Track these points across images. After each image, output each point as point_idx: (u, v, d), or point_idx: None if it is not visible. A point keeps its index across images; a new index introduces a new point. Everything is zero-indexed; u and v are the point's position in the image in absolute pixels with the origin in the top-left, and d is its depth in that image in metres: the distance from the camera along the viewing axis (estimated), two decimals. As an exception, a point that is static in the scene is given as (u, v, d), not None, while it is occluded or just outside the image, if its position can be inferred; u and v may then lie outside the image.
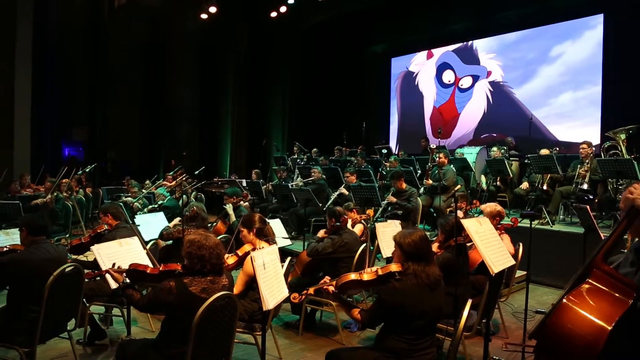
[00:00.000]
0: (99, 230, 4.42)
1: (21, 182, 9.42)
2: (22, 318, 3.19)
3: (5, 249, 3.60)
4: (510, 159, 8.61)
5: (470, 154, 9.51)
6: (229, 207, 6.05)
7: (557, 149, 8.97)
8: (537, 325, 2.11)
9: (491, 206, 4.89)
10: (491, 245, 3.25)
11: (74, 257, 4.38)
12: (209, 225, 5.88)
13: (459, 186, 5.52)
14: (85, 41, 13.82)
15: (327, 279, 2.96)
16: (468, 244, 3.97)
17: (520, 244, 4.46)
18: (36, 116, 11.86)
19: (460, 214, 5.00)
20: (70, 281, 3.36)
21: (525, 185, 7.62)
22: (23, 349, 3.14)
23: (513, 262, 3.52)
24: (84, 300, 3.85)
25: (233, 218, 5.98)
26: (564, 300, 1.93)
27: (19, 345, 3.14)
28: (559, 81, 10.90)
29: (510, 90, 11.73)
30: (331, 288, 2.89)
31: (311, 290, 2.93)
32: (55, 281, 3.14)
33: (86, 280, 3.58)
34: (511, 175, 8.00)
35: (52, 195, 7.77)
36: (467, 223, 3.23)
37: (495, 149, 8.59)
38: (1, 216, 6.84)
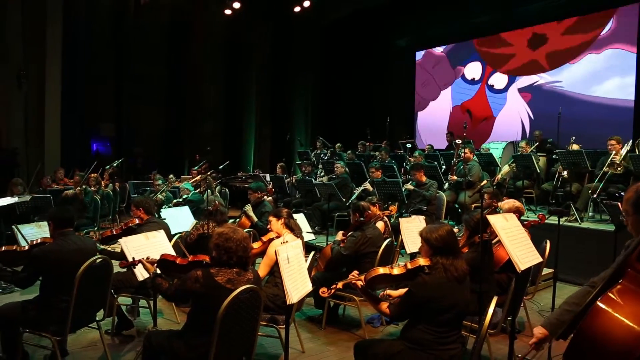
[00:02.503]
0: (130, 224, 4.51)
1: (55, 176, 9.70)
2: (54, 308, 3.29)
3: (35, 241, 3.71)
4: (538, 154, 8.43)
5: (497, 149, 9.36)
6: (249, 209, 6.07)
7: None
8: (567, 327, 2.06)
9: (510, 202, 4.80)
10: (518, 242, 3.20)
11: (103, 247, 4.49)
12: (234, 220, 5.94)
13: (485, 181, 5.43)
14: (111, 40, 14.08)
15: (355, 273, 2.97)
16: (493, 241, 3.91)
17: (548, 242, 4.38)
18: (65, 113, 12.17)
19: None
20: (99, 273, 3.45)
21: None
22: (55, 337, 3.25)
23: (540, 259, 3.46)
24: (112, 291, 3.95)
25: (255, 219, 6.01)
26: (598, 303, 1.84)
27: (52, 334, 3.25)
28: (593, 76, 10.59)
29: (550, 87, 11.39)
30: (360, 283, 2.89)
31: (340, 285, 2.94)
32: (85, 272, 3.23)
33: (117, 270, 3.66)
34: (538, 171, 7.84)
35: (80, 188, 7.96)
36: (493, 219, 3.18)
37: (523, 143, 8.42)
38: (33, 209, 7.02)
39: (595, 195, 6.33)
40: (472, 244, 3.79)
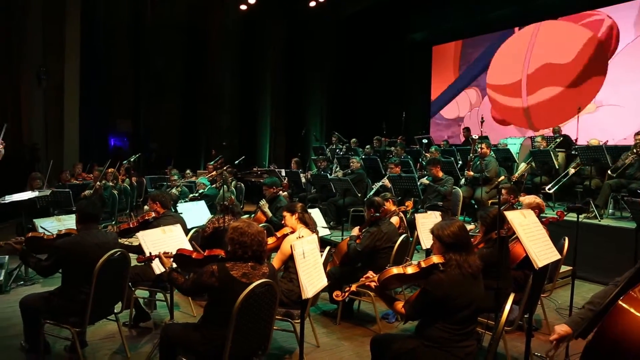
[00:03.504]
0: (146, 217, 4.56)
1: (74, 171, 9.86)
2: (74, 299, 3.35)
3: (61, 232, 3.78)
4: (557, 149, 8.30)
5: (514, 144, 9.25)
6: (264, 205, 6.09)
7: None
8: (586, 325, 2.02)
9: (530, 198, 4.73)
10: (536, 239, 3.16)
11: (120, 240, 4.55)
12: (249, 215, 5.97)
13: (502, 177, 5.36)
14: (128, 37, 14.24)
15: (370, 274, 2.94)
16: (510, 238, 3.86)
17: (566, 238, 4.31)
18: (84, 110, 12.37)
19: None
20: (117, 266, 3.50)
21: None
22: (75, 328, 3.31)
23: (558, 256, 3.41)
24: (130, 284, 4.00)
25: (269, 214, 6.03)
26: (619, 302, 1.81)
27: (72, 325, 3.31)
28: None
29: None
30: (373, 284, 2.87)
31: (354, 287, 2.89)
32: (103, 266, 3.28)
33: (135, 264, 3.71)
34: (557, 167, 7.72)
35: (100, 183, 8.07)
36: (510, 215, 3.14)
37: (539, 138, 8.30)
38: (53, 203, 7.14)
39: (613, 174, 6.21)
40: (489, 240, 3.76)
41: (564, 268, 4.91)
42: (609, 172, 6.62)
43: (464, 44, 13.79)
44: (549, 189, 7.02)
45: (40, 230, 4.74)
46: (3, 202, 5.64)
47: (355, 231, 4.73)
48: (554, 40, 11.29)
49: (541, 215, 4.59)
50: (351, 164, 8.53)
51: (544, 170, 7.77)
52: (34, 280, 5.49)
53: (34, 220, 5.33)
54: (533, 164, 7.82)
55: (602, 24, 10.44)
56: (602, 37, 10.40)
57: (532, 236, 3.15)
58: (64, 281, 3.49)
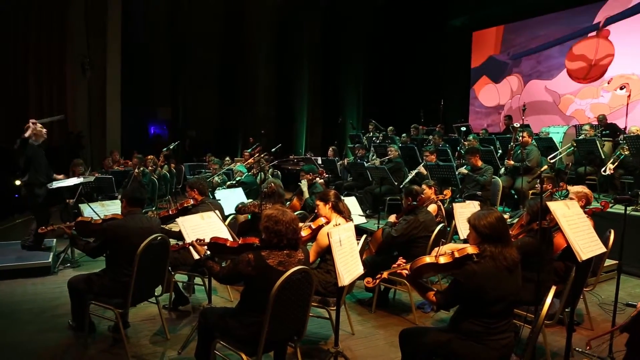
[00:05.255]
0: (185, 205, 4.66)
1: (112, 158, 10.15)
2: (117, 281, 3.49)
3: (107, 216, 3.92)
4: (603, 138, 7.97)
5: (557, 133, 8.94)
6: (304, 184, 6.14)
7: None
8: (632, 319, 1.95)
9: (578, 188, 4.56)
10: (580, 230, 3.06)
11: (164, 226, 4.67)
12: (286, 201, 6.01)
13: (545, 167, 5.20)
14: (167, 27, 14.51)
15: (402, 261, 2.90)
16: (553, 229, 3.75)
17: (612, 231, 4.14)
18: (125, 98, 12.73)
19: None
20: (158, 251, 3.60)
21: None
22: (118, 309, 3.43)
23: (603, 249, 3.29)
24: (170, 268, 4.11)
25: (307, 194, 6.06)
26: None
27: (115, 306, 3.44)
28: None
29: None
30: (405, 272, 2.82)
31: (385, 275, 2.86)
32: (145, 250, 3.38)
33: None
34: (603, 157, 7.42)
35: (138, 170, 8.30)
36: (554, 206, 3.05)
37: (587, 127, 7.98)
38: (97, 189, 7.38)
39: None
40: (530, 230, 3.65)
41: (608, 262, 4.74)
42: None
43: (506, 29, 13.37)
44: (603, 171, 6.74)
45: (86, 214, 4.92)
46: (50, 187, 5.88)
47: (392, 218, 4.69)
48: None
49: (586, 206, 4.43)
50: (389, 152, 8.45)
51: (589, 160, 7.48)
52: (80, 263, 5.72)
53: (80, 205, 5.55)
54: (573, 155, 7.54)
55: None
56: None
57: (575, 228, 3.05)
58: (108, 263, 3.64)
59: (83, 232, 3.93)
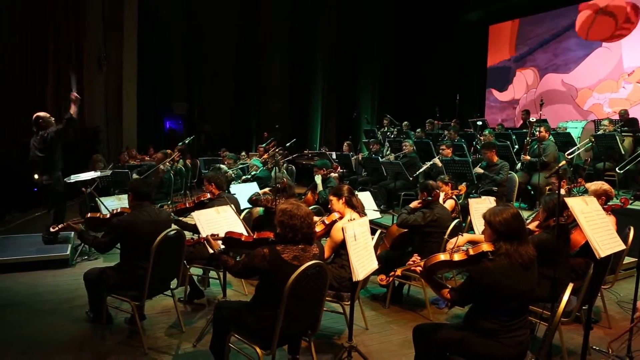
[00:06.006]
0: (202, 199, 4.69)
1: (128, 153, 10.28)
2: (131, 273, 3.54)
3: (115, 211, 3.97)
4: (623, 134, 7.83)
5: (575, 128, 8.81)
6: (318, 178, 6.14)
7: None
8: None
9: (597, 185, 4.48)
10: (598, 227, 3.01)
11: (178, 218, 4.71)
12: (299, 196, 6.01)
13: (563, 162, 5.12)
14: (183, 23, 14.58)
15: (416, 258, 2.88)
16: (570, 225, 3.70)
17: (631, 228, 4.08)
18: (141, 94, 12.84)
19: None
20: (173, 244, 3.64)
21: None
22: (134, 302, 3.47)
23: (623, 246, 3.24)
24: (185, 262, 4.15)
25: (320, 188, 6.06)
26: None
27: (131, 299, 3.48)
28: None
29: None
30: (419, 268, 2.80)
31: (399, 272, 2.84)
32: (160, 243, 3.41)
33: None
34: (622, 152, 7.29)
35: (163, 167, 8.39)
36: (571, 202, 3.00)
37: (606, 122, 7.84)
38: (113, 183, 7.48)
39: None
40: (547, 226, 3.61)
41: (627, 259, 4.66)
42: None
43: (522, 22, 13.17)
44: (619, 169, 6.64)
45: (103, 208, 4.99)
46: (69, 181, 5.96)
47: (414, 204, 4.64)
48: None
49: (606, 202, 4.35)
50: (404, 147, 8.40)
51: (608, 156, 7.36)
52: (97, 256, 5.81)
53: (97, 199, 5.62)
54: (593, 149, 7.42)
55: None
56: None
57: (594, 224, 3.01)
58: (121, 257, 3.69)
59: (94, 227, 4.01)
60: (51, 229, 3.79)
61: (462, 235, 3.66)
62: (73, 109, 5.49)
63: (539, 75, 12.69)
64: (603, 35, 11.17)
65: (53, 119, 5.75)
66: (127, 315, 3.88)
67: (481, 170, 6.78)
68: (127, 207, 3.93)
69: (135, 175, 7.86)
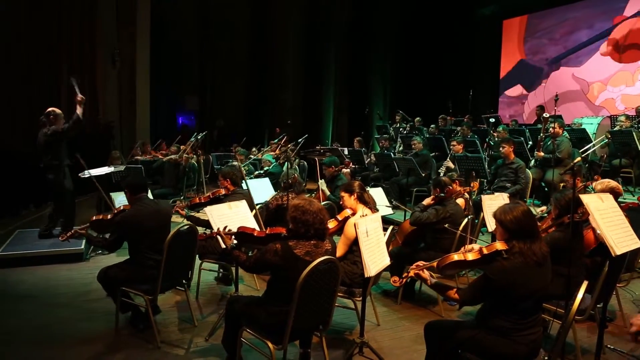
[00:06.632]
0: (217, 194, 4.71)
1: (144, 148, 10.37)
2: (142, 265, 3.59)
3: (117, 209, 4.00)
4: (640, 130, 7.71)
5: (591, 124, 8.69)
6: (322, 184, 6.10)
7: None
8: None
9: (603, 183, 4.42)
10: (614, 225, 2.97)
11: (191, 213, 4.74)
12: (310, 194, 6.01)
13: (578, 159, 5.05)
14: (195, 18, 14.62)
15: (425, 269, 2.82)
16: (584, 223, 3.65)
17: (648, 225, 4.02)
18: (154, 89, 12.93)
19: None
20: (186, 239, 3.66)
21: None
22: (147, 296, 3.51)
23: (639, 244, 3.19)
24: (197, 256, 4.17)
25: (327, 192, 6.04)
26: None
27: (144, 293, 3.51)
28: None
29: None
30: (427, 277, 2.74)
31: (412, 273, 2.80)
32: (173, 238, 3.44)
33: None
34: (639, 149, 7.18)
35: (185, 156, 8.48)
36: (587, 199, 2.96)
37: (623, 118, 7.73)
38: (126, 179, 7.54)
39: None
40: (561, 224, 3.57)
41: (643, 257, 4.58)
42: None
43: (530, 16, 12.99)
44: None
45: (116, 204, 5.03)
46: (83, 176, 6.02)
47: (427, 201, 4.62)
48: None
49: (619, 200, 4.29)
50: (413, 146, 8.32)
51: (624, 152, 7.25)
52: (113, 252, 5.85)
53: (111, 194, 5.69)
54: (609, 146, 7.31)
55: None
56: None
57: (610, 222, 2.97)
58: (130, 252, 3.74)
59: (100, 229, 4.06)
60: (60, 239, 3.82)
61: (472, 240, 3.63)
62: (79, 110, 5.61)
63: (549, 69, 12.48)
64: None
65: (63, 118, 5.79)
66: (141, 309, 3.89)
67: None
68: (127, 204, 3.96)
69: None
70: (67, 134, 5.63)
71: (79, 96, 5.61)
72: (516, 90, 13.41)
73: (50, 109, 5.70)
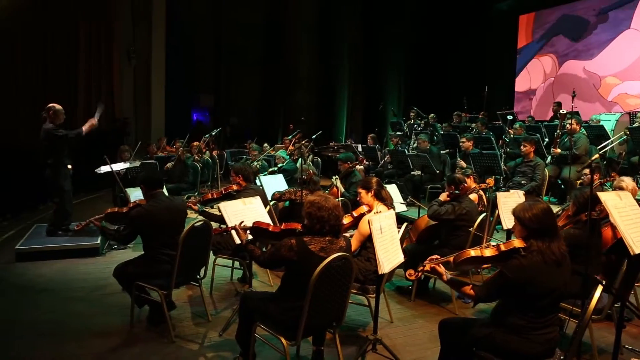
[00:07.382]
0: (229, 190, 4.73)
1: (159, 144, 10.46)
2: (156, 261, 3.62)
3: (132, 204, 4.03)
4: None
5: (609, 120, 8.55)
6: (335, 179, 6.10)
7: None
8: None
9: (617, 180, 4.38)
10: (633, 223, 2.92)
11: (204, 208, 4.77)
12: (324, 190, 6.00)
13: (597, 156, 4.98)
14: (210, 16, 14.68)
15: (434, 257, 2.80)
16: (602, 220, 3.59)
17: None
18: (169, 86, 13.03)
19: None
20: (200, 234, 3.69)
21: None
22: (162, 291, 3.54)
23: (659, 242, 3.13)
24: (211, 252, 4.20)
25: (342, 189, 6.03)
26: None
27: (159, 288, 3.54)
28: None
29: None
30: (443, 272, 2.73)
31: (427, 267, 2.78)
32: (188, 234, 3.46)
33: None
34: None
35: (198, 154, 8.55)
36: (605, 197, 2.92)
37: (643, 114, 7.60)
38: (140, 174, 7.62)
39: None
40: (578, 221, 3.52)
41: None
42: None
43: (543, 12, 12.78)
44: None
45: (132, 199, 5.08)
46: (99, 172, 6.10)
47: (443, 196, 4.58)
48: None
49: (637, 198, 4.22)
50: (418, 143, 8.24)
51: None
52: (126, 246, 5.93)
53: (126, 189, 5.75)
54: (627, 143, 7.18)
55: None
56: None
57: (628, 220, 2.92)
58: (144, 247, 3.77)
59: (114, 222, 4.11)
60: (76, 227, 3.87)
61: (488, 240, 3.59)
62: (86, 127, 5.71)
63: (558, 62, 12.15)
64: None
65: (64, 114, 5.83)
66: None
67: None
68: (143, 199, 4.00)
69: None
70: (63, 140, 5.67)
71: (95, 120, 5.76)
72: (524, 84, 13.12)
73: (50, 105, 5.75)
